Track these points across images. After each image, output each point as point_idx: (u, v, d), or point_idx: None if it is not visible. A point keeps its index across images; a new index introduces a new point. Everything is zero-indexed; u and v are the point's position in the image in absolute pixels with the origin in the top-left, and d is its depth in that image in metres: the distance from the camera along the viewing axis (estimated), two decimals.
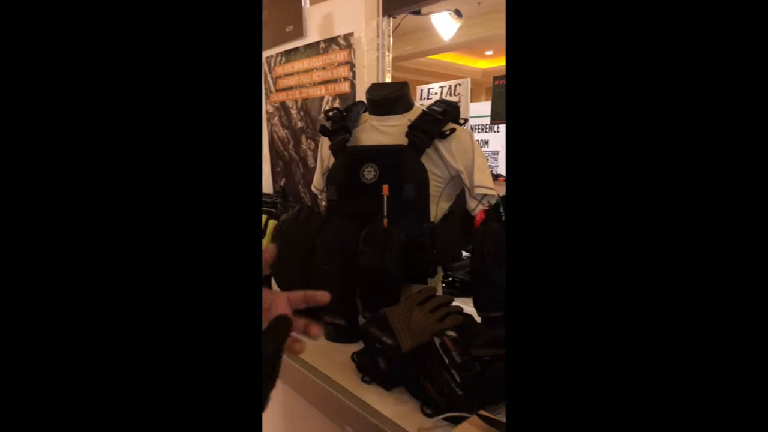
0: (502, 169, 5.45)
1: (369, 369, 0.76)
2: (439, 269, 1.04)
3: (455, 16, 3.21)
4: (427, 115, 0.97)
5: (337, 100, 1.44)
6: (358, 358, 0.78)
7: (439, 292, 1.11)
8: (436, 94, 4.59)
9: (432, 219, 0.98)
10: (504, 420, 0.59)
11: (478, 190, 0.97)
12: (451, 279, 1.21)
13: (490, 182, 0.98)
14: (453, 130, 0.96)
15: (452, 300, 0.83)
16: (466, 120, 1.04)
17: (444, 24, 3.41)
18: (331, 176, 1.04)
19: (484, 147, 5.89)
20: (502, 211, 1.09)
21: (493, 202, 1.01)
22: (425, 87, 4.78)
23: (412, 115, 1.00)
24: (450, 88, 4.52)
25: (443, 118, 0.96)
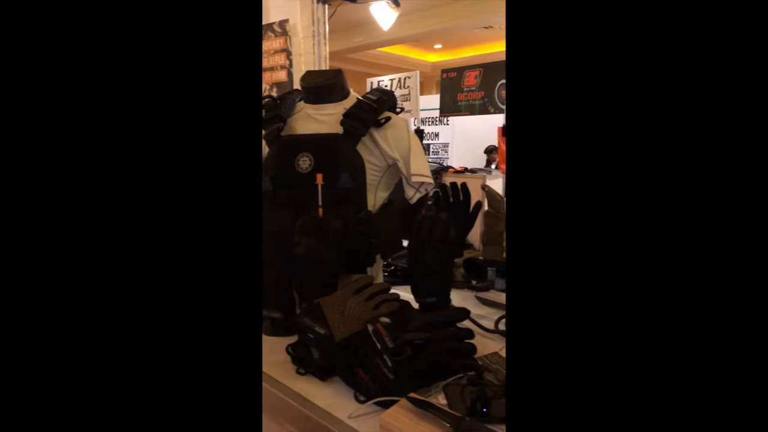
0: (451, 161, 5.57)
1: (303, 360, 0.74)
2: (379, 258, 1.04)
3: (393, 6, 3.18)
4: (362, 103, 0.96)
5: (275, 89, 1.40)
6: (292, 350, 0.77)
7: (381, 280, 1.11)
8: (386, 86, 4.60)
9: (370, 208, 0.98)
10: (433, 401, 0.60)
11: (415, 179, 0.98)
12: (393, 268, 1.22)
13: (426, 170, 0.99)
14: (388, 119, 0.96)
15: (389, 288, 0.84)
16: (402, 109, 1.04)
17: (382, 13, 3.38)
18: (265, 166, 1.01)
19: (435, 139, 5.99)
20: (440, 197, 1.11)
21: (430, 189, 1.02)
22: (375, 79, 4.76)
23: (348, 103, 0.99)
24: (400, 80, 4.54)
25: (378, 106, 0.96)
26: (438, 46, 6.85)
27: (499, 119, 4.37)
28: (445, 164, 5.15)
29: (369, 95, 0.99)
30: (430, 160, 5.54)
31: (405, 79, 4.46)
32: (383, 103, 0.97)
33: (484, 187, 1.12)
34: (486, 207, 1.09)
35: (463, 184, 1.01)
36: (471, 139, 5.49)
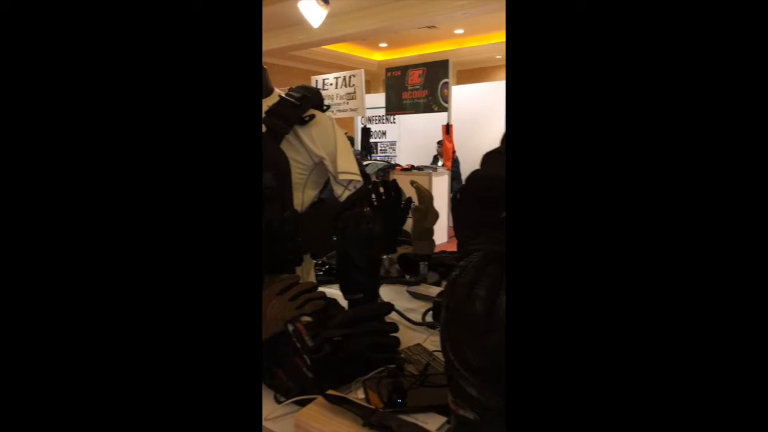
0: (399, 159, 5.63)
1: None
2: (308, 257, 1.04)
3: (322, 3, 3.16)
4: (284, 100, 0.95)
5: None
6: None
7: (312, 279, 1.11)
8: (331, 84, 4.57)
9: (298, 207, 0.97)
10: (352, 397, 0.61)
11: (342, 176, 0.98)
12: (328, 267, 1.22)
13: (354, 168, 1.00)
14: (313, 116, 0.95)
15: (316, 287, 0.83)
16: (329, 107, 1.04)
17: (311, 11, 3.35)
18: None
19: (382, 137, 6.02)
20: (373, 196, 1.12)
21: (359, 187, 1.03)
22: (320, 77, 4.73)
23: (271, 101, 0.97)
24: (345, 78, 4.53)
25: (302, 103, 0.95)
26: (383, 44, 6.89)
27: (443, 118, 4.47)
28: (392, 162, 5.21)
29: (293, 92, 0.98)
30: (378, 158, 5.58)
31: (350, 77, 4.46)
32: (307, 101, 0.97)
33: (413, 183, 1.14)
34: (416, 203, 1.11)
35: (393, 181, 1.02)
36: (418, 137, 5.58)
